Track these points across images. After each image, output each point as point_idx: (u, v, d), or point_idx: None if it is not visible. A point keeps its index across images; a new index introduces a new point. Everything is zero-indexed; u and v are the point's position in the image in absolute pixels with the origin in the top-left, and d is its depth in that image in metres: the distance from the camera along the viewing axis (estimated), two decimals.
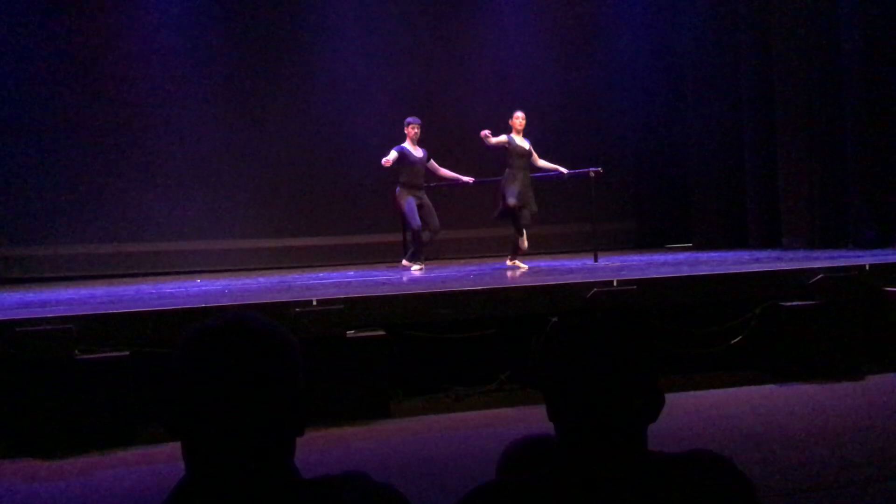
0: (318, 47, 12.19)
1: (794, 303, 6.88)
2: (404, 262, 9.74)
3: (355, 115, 11.79)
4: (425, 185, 9.82)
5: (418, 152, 9.67)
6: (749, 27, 11.66)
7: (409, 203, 9.50)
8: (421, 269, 9.47)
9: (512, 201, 9.18)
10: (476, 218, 12.01)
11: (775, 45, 11.04)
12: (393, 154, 9.44)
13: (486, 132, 9.15)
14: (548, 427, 1.57)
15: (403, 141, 9.65)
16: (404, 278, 8.70)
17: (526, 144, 9.43)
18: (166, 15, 11.54)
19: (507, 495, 1.50)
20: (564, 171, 9.77)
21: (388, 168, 9.53)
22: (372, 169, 11.07)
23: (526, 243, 9.46)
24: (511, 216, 9.37)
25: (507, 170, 9.36)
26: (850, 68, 10.17)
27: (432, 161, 9.82)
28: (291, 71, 12.05)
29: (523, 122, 9.41)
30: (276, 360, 1.34)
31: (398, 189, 9.63)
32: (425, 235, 9.59)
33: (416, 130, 9.64)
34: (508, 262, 9.53)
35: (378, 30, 12.42)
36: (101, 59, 11.19)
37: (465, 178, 10.01)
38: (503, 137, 9.32)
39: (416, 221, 9.46)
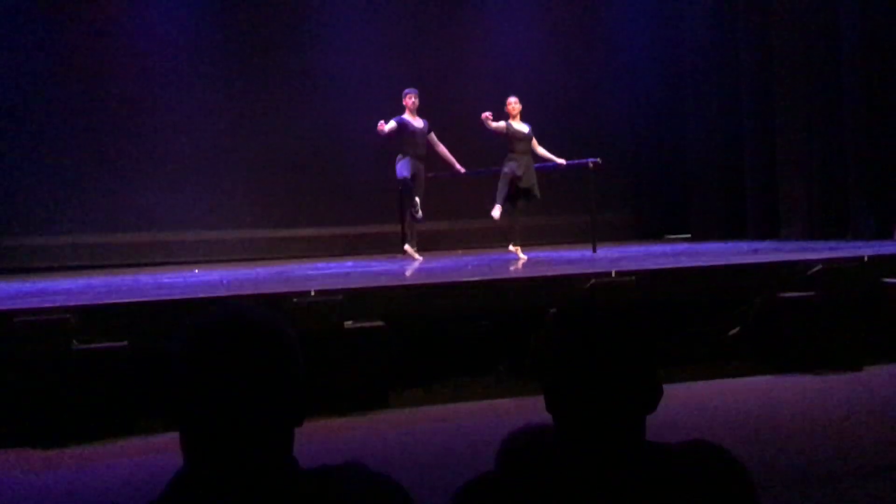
0: (316, 37, 12.16)
1: (793, 294, 6.90)
2: (406, 247, 9.70)
3: (354, 106, 11.75)
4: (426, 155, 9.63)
5: (418, 122, 9.54)
6: (749, 19, 11.63)
7: (404, 162, 9.31)
8: (417, 259, 9.45)
9: (505, 170, 9.23)
10: (474, 209, 11.99)
11: (776, 31, 11.03)
12: (392, 124, 9.25)
13: (487, 114, 9.21)
14: (547, 417, 1.57)
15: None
16: (406, 271, 8.68)
17: (525, 128, 9.45)
18: (163, 5, 11.51)
19: (505, 486, 1.49)
20: (563, 161, 9.78)
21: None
22: (370, 159, 11.06)
23: (498, 213, 9.22)
24: (512, 193, 9.32)
25: (508, 154, 9.39)
26: (850, 63, 10.16)
27: (433, 134, 9.67)
28: (288, 61, 12.02)
29: (517, 106, 9.45)
30: (274, 350, 1.34)
31: (398, 156, 9.45)
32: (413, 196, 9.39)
33: (413, 100, 9.50)
34: (511, 249, 9.52)
35: (376, 22, 12.39)
36: (99, 50, 11.17)
37: (458, 167, 9.91)
38: (501, 123, 9.35)
39: (405, 173, 9.21)
